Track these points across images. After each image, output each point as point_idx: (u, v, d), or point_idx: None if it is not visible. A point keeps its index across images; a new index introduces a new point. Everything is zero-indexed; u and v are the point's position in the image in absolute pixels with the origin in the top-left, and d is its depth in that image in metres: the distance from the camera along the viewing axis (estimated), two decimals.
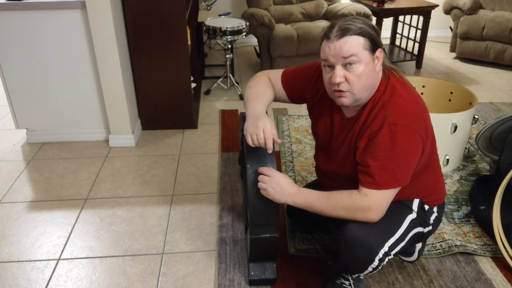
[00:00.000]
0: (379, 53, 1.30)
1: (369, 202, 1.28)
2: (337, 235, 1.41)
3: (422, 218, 1.49)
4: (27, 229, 2.00)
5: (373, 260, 1.35)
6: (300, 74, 1.57)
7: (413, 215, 1.46)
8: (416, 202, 1.48)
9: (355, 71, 1.26)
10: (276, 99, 1.63)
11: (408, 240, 1.44)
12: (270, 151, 1.40)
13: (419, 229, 1.48)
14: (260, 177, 1.42)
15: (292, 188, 1.40)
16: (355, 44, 1.25)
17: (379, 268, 1.39)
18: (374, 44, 1.28)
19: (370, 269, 1.38)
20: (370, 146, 1.30)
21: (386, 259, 1.37)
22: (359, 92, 1.30)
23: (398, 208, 1.42)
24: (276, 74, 1.62)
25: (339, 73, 1.27)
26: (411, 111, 1.30)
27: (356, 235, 1.33)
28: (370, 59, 1.27)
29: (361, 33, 1.25)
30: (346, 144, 1.42)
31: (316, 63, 1.54)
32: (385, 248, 1.35)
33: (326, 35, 1.29)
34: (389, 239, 1.36)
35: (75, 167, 2.50)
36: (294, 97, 1.61)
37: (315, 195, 1.38)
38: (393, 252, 1.38)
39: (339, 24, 1.27)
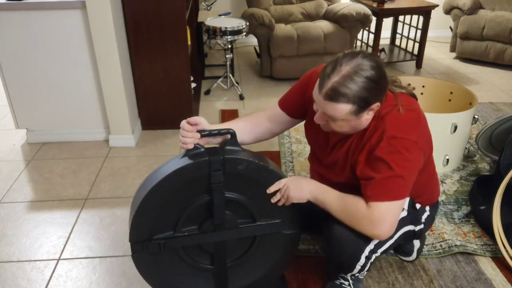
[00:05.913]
0: (375, 106, 1.23)
1: (375, 215, 1.24)
2: (326, 233, 1.41)
3: (413, 217, 1.49)
4: (27, 229, 2.00)
5: (359, 258, 1.35)
6: (294, 88, 1.53)
7: (403, 214, 1.45)
8: (406, 201, 1.46)
9: (335, 122, 1.26)
10: (276, 129, 1.57)
11: (398, 238, 1.44)
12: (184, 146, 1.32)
13: (410, 227, 1.48)
14: (277, 193, 1.37)
15: (309, 184, 1.36)
16: (339, 110, 1.21)
17: (368, 266, 1.39)
18: (367, 104, 1.21)
19: (358, 267, 1.38)
20: (371, 160, 1.27)
21: (373, 257, 1.37)
22: (341, 132, 1.31)
23: None
24: (271, 106, 1.58)
25: (320, 119, 1.29)
26: (409, 123, 1.27)
27: (342, 233, 1.32)
28: (355, 118, 1.24)
29: (351, 101, 1.19)
30: (342, 156, 1.38)
31: (306, 75, 1.49)
32: (371, 246, 1.35)
33: (320, 81, 1.22)
34: None
35: (75, 167, 2.50)
36: (294, 111, 1.53)
37: (331, 193, 1.33)
38: (380, 250, 1.38)
39: (334, 80, 1.18)
